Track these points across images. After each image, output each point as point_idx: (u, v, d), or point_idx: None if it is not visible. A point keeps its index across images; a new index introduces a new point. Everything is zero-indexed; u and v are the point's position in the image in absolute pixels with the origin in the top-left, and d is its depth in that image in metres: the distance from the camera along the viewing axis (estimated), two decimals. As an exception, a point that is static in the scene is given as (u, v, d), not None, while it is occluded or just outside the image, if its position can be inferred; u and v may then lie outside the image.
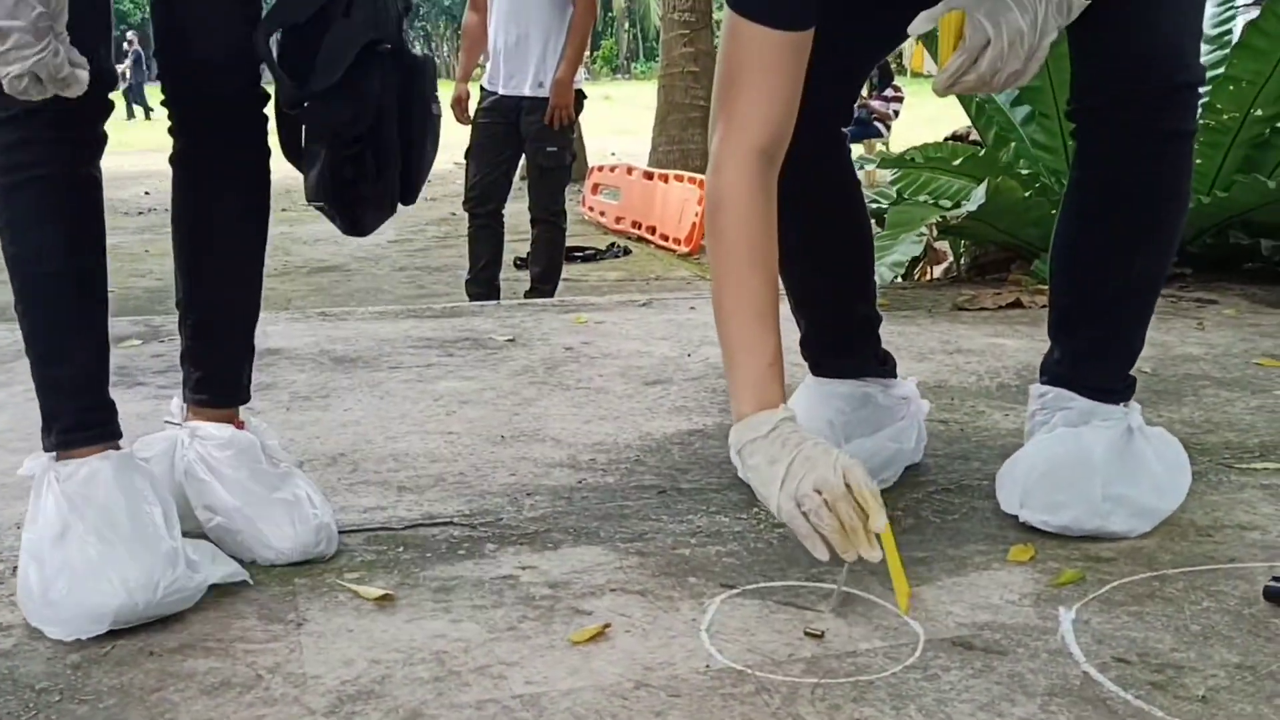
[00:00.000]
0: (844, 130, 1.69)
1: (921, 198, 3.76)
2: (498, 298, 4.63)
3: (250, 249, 1.50)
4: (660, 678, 1.14)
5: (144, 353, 2.57)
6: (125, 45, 23.89)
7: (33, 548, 1.28)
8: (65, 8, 1.16)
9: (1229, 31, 3.81)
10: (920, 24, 1.38)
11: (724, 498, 1.66)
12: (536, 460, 1.83)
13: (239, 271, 1.49)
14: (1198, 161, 3.47)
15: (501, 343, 2.70)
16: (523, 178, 4.98)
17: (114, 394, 2.18)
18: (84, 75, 1.19)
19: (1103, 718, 1.07)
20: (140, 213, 8.70)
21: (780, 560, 1.43)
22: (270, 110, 1.44)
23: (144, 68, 23.77)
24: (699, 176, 8.16)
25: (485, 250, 4.86)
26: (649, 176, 8.79)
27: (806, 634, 1.24)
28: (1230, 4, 3.91)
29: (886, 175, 4.09)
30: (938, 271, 4.24)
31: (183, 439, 1.46)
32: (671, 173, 8.57)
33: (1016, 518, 1.54)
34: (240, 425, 1.50)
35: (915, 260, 3.96)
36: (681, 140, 9.25)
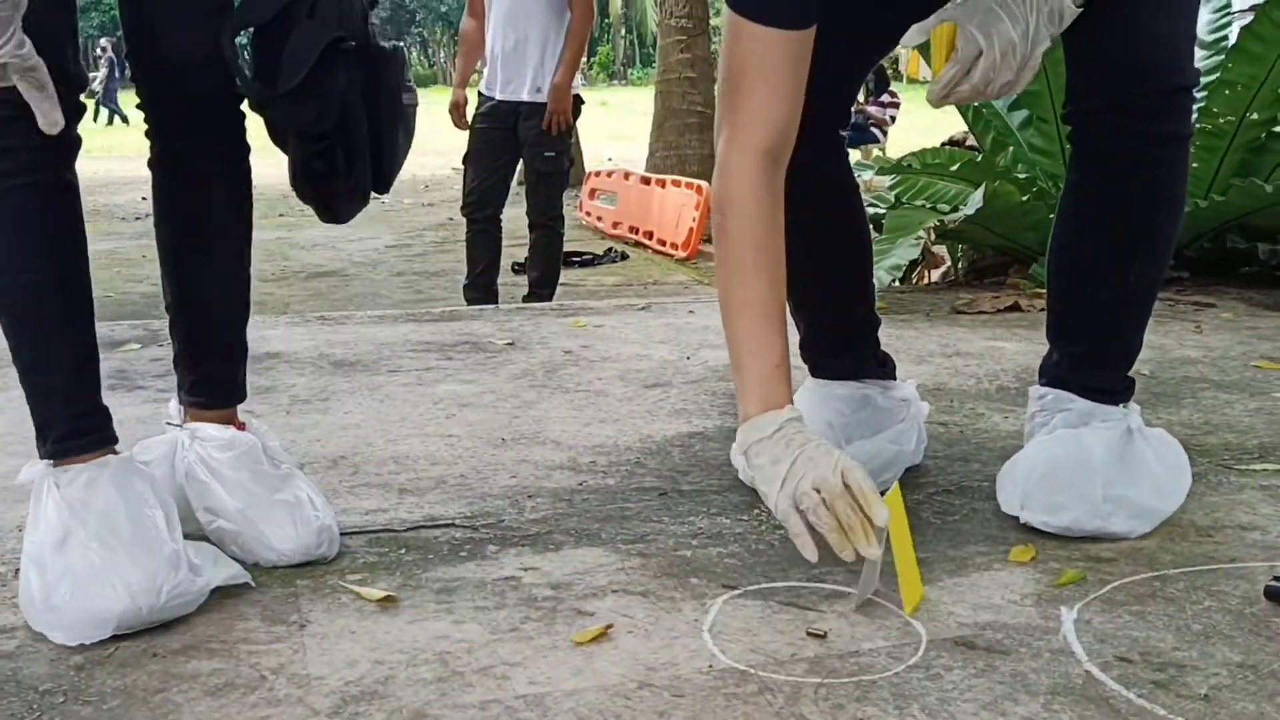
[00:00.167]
0: (843, 134, 1.70)
1: (919, 202, 3.77)
2: (496, 302, 4.64)
3: (235, 248, 1.49)
4: (663, 678, 1.14)
5: (143, 356, 2.57)
6: (99, 52, 23.88)
7: (34, 554, 1.28)
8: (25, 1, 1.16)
9: (1225, 37, 3.83)
10: (913, 36, 1.40)
11: (725, 499, 1.66)
12: (537, 463, 1.83)
13: (226, 272, 1.49)
14: (1194, 165, 3.50)
15: (501, 346, 2.70)
16: (520, 183, 4.99)
17: (114, 398, 2.19)
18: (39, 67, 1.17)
19: (1106, 717, 1.07)
20: (137, 218, 8.70)
21: (782, 561, 1.44)
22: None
23: (116, 74, 23.79)
24: (696, 181, 8.17)
25: (483, 255, 4.86)
26: (646, 181, 8.80)
27: (809, 634, 1.24)
28: (1226, 9, 3.92)
29: (885, 180, 4.10)
30: (935, 275, 4.25)
31: (183, 441, 1.46)
32: (669, 178, 8.58)
33: (1017, 519, 1.55)
34: (241, 426, 1.50)
35: (913, 264, 3.97)
36: (679, 146, 9.25)
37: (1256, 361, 2.51)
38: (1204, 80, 3.65)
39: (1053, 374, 1.65)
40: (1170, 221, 1.58)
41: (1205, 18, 3.87)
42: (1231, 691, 1.12)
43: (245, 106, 1.42)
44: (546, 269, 4.99)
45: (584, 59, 4.96)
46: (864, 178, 4.76)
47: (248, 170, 1.47)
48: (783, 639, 1.23)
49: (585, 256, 7.42)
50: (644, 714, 1.07)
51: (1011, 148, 3.78)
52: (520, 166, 4.88)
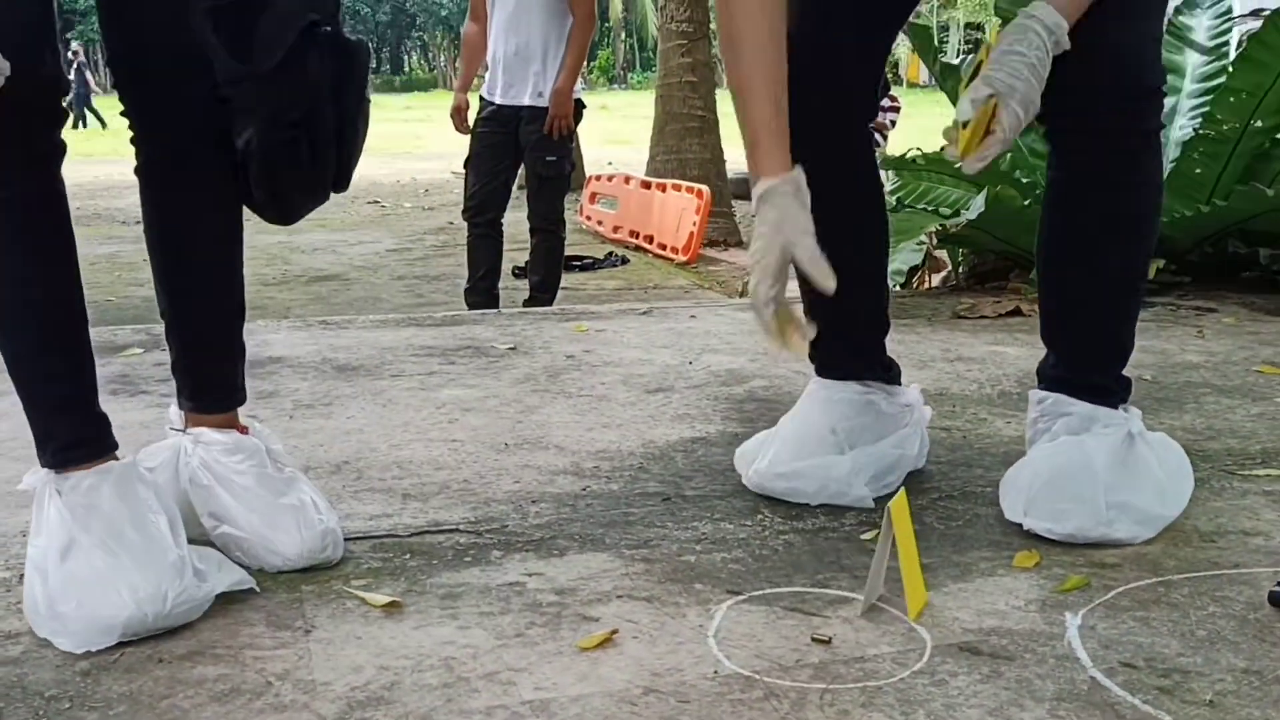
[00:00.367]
0: (869, 126, 1.73)
1: (920, 206, 3.78)
2: (497, 307, 4.64)
3: (227, 252, 1.47)
4: (669, 683, 1.14)
5: (146, 361, 2.57)
6: (70, 55, 23.86)
7: (38, 561, 1.28)
8: None
9: (1226, 43, 3.84)
10: (965, 109, 1.47)
11: (728, 505, 1.66)
12: (540, 468, 1.83)
13: (219, 276, 1.48)
14: (1197, 171, 3.50)
15: (503, 351, 2.70)
16: (521, 187, 4.99)
17: (116, 403, 2.20)
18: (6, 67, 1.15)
19: (1111, 722, 1.07)
20: (137, 222, 8.69)
21: (786, 566, 1.44)
22: None
23: (87, 78, 23.76)
24: (697, 186, 8.18)
25: (484, 259, 4.87)
26: (646, 185, 8.81)
27: (814, 639, 1.24)
28: (1227, 15, 3.93)
29: (886, 185, 4.10)
30: (936, 280, 4.25)
31: (185, 446, 1.46)
32: (669, 182, 8.59)
33: (1021, 525, 1.55)
34: (244, 430, 1.50)
35: (914, 269, 3.98)
36: (679, 150, 9.25)
37: (1258, 366, 2.51)
38: (1206, 86, 3.66)
39: (1049, 376, 1.66)
40: (1145, 211, 1.62)
41: (1206, 23, 3.88)
42: (1236, 697, 1.12)
43: None
44: (548, 273, 4.99)
45: (584, 63, 4.96)
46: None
47: (236, 173, 1.46)
48: (787, 644, 1.23)
49: (586, 260, 7.43)
50: (650, 719, 1.07)
51: (1012, 153, 3.78)
52: (521, 171, 4.89)
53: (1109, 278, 1.62)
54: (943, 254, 4.12)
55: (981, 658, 1.20)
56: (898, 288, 3.39)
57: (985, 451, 1.91)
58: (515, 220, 4.99)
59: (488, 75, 4.82)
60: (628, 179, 9.23)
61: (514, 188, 5.00)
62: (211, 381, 1.50)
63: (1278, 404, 2.20)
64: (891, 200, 3.89)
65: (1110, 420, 1.58)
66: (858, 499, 1.63)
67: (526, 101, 4.68)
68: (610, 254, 7.82)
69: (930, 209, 3.70)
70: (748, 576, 1.41)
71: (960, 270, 4.05)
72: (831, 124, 1.64)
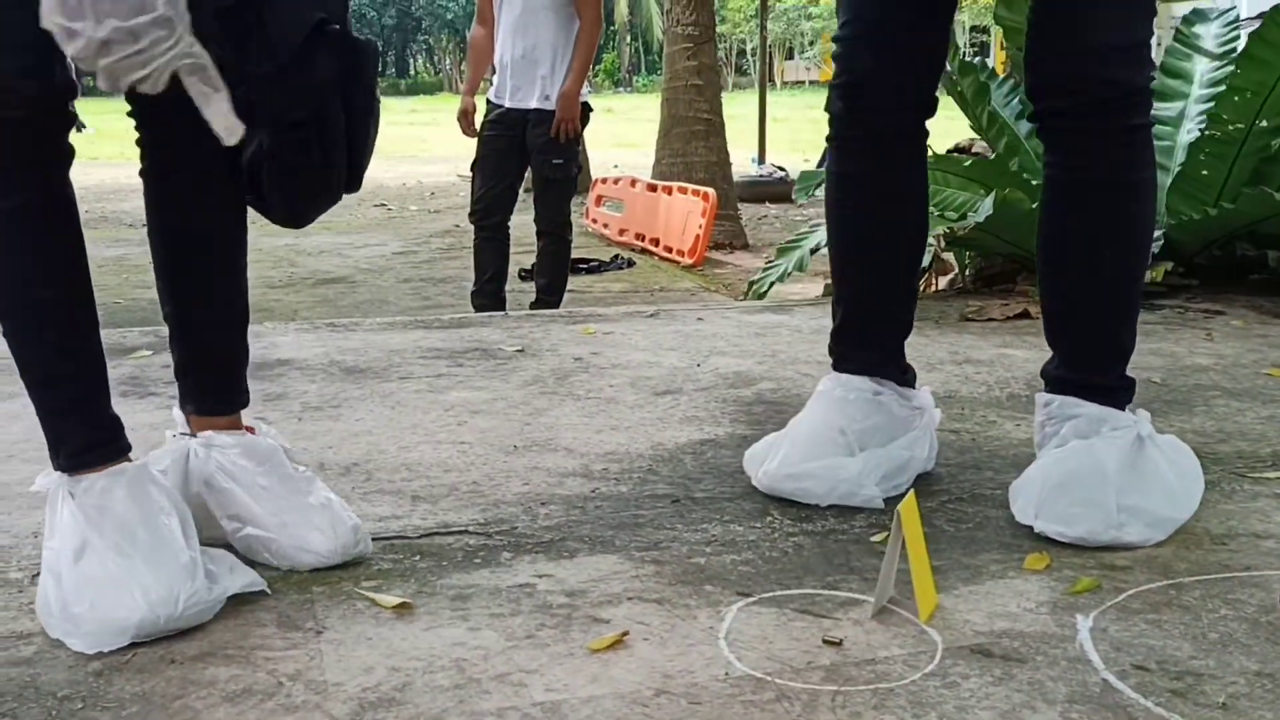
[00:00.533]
0: (925, 124, 1.74)
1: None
2: (504, 309, 4.64)
3: (232, 255, 1.48)
4: (680, 685, 1.14)
5: (154, 363, 2.58)
6: None
7: (51, 563, 1.28)
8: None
9: (1234, 50, 3.83)
10: None
11: (738, 507, 1.66)
12: (549, 470, 1.83)
13: (222, 280, 1.48)
14: (1204, 173, 3.49)
15: (511, 353, 2.70)
16: (528, 190, 4.99)
17: (126, 404, 2.20)
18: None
19: (1123, 725, 1.07)
20: (143, 224, 8.71)
21: (796, 569, 1.44)
22: None
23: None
24: (703, 189, 8.18)
25: (491, 262, 4.87)
26: (652, 188, 8.82)
27: (825, 641, 1.24)
28: (1235, 23, 3.92)
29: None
30: (943, 283, 4.24)
31: (195, 449, 1.45)
32: (675, 184, 8.59)
33: (1031, 528, 1.55)
34: (251, 430, 1.50)
35: (922, 271, 3.97)
36: (685, 153, 9.26)
37: (1268, 369, 2.51)
38: (1214, 91, 3.66)
39: (1053, 378, 1.67)
40: (1138, 207, 1.63)
41: (1214, 31, 3.88)
42: (1249, 700, 1.11)
43: None
44: (554, 276, 5.00)
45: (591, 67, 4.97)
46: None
47: (241, 177, 1.45)
48: (798, 646, 1.23)
49: (592, 263, 7.43)
50: (661, 721, 1.07)
51: (1018, 156, 3.78)
52: (528, 174, 4.89)
53: (1106, 278, 1.63)
54: (950, 257, 4.12)
55: (993, 660, 1.20)
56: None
57: (994, 454, 1.91)
58: (522, 223, 4.99)
59: (495, 78, 4.82)
60: (633, 182, 9.23)
61: (521, 191, 5.00)
62: (218, 384, 1.50)
63: (1287, 406, 2.19)
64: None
65: (1119, 423, 1.58)
66: (867, 499, 1.63)
67: (534, 104, 4.68)
68: (616, 257, 7.82)
69: (937, 212, 3.70)
70: (758, 578, 1.41)
71: (967, 273, 4.04)
72: (883, 111, 1.67)
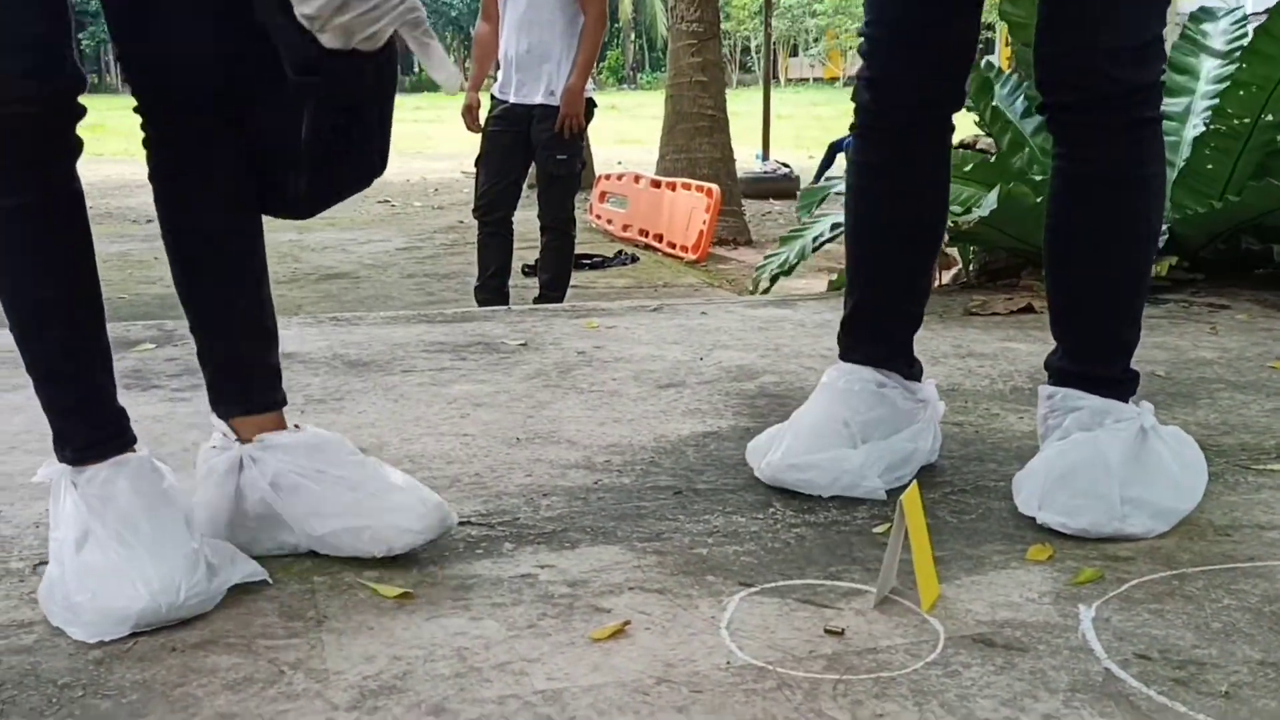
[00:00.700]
0: (950, 118, 1.74)
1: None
2: (507, 304, 4.64)
3: (251, 245, 1.45)
4: (681, 674, 1.14)
5: (158, 356, 2.58)
6: None
7: (55, 552, 1.28)
8: None
9: (1241, 48, 3.82)
10: None
11: (740, 498, 1.66)
12: (552, 462, 1.83)
13: (248, 271, 1.46)
14: (1209, 167, 3.48)
15: (514, 347, 2.70)
16: (531, 186, 4.99)
17: (129, 397, 2.20)
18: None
19: (1126, 714, 1.07)
20: (149, 220, 8.72)
21: (798, 559, 1.43)
22: None
23: None
24: (706, 185, 8.18)
25: (494, 258, 4.87)
26: (656, 185, 8.82)
27: (826, 631, 1.23)
28: (1243, 22, 3.91)
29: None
30: (946, 277, 4.24)
31: (250, 455, 1.41)
32: (679, 180, 8.59)
33: (1034, 519, 1.54)
34: (297, 427, 1.47)
35: (927, 266, 3.96)
36: (689, 149, 9.26)
37: (1272, 362, 2.50)
38: (1220, 87, 3.65)
39: (1057, 370, 1.67)
40: (1145, 202, 1.63)
41: (1222, 27, 3.87)
42: (1253, 689, 1.11)
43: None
44: (558, 271, 5.00)
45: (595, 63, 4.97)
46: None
47: (253, 174, 1.44)
48: (800, 636, 1.22)
49: (595, 259, 7.43)
50: (663, 709, 1.07)
51: (1026, 150, 3.78)
52: (532, 170, 4.89)
53: (1112, 271, 1.63)
54: (954, 251, 4.12)
55: (995, 649, 1.19)
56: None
57: (998, 446, 1.91)
58: (525, 219, 5.00)
59: (500, 74, 4.82)
60: (637, 178, 9.23)
61: (525, 186, 5.00)
62: (263, 379, 1.47)
63: (1292, 399, 2.19)
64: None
65: (1122, 415, 1.58)
66: (870, 490, 1.62)
67: (538, 100, 4.68)
68: (620, 252, 7.82)
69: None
70: (760, 569, 1.40)
71: (971, 267, 4.04)
72: (907, 108, 1.68)
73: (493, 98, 4.85)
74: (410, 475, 1.72)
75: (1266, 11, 3.42)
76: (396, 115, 1.44)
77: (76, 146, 1.29)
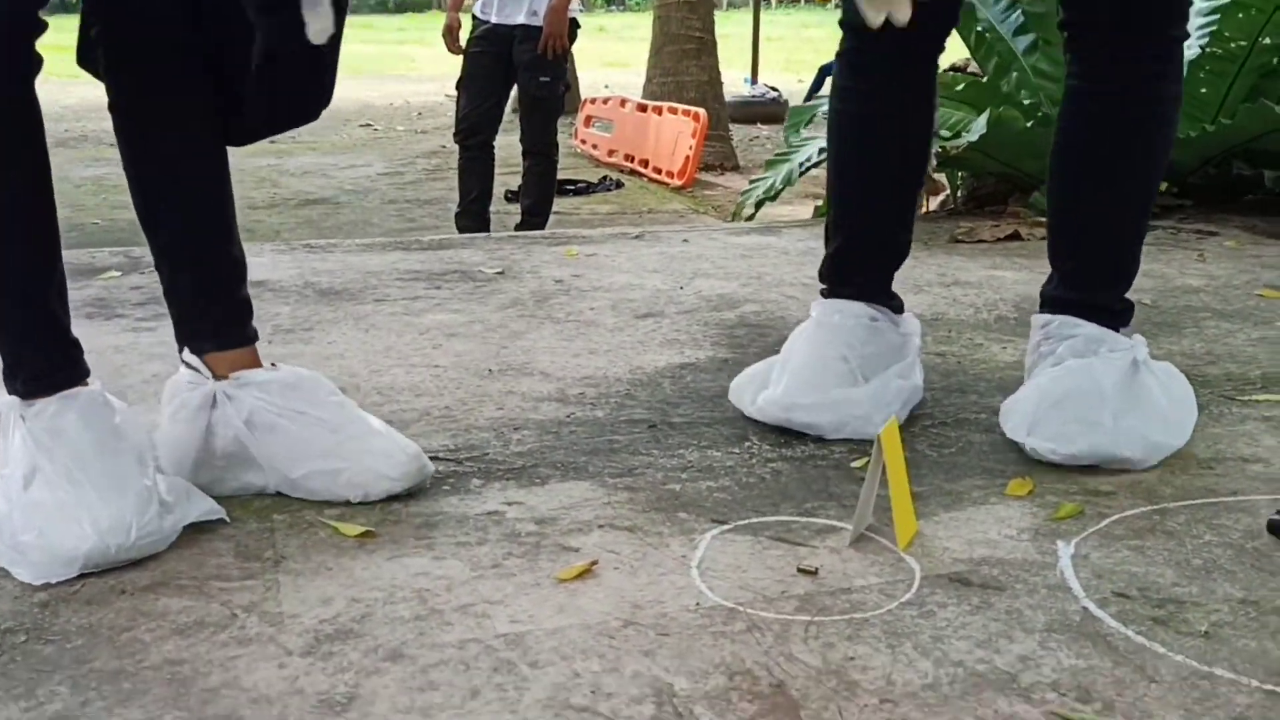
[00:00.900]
0: (940, 42, 1.69)
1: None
2: (488, 231, 4.57)
3: (218, 174, 1.41)
4: (649, 616, 1.11)
5: (123, 284, 2.52)
6: None
7: (2, 489, 1.23)
8: None
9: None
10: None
11: (716, 432, 1.62)
12: (524, 394, 1.79)
13: (212, 202, 1.41)
14: (1203, 90, 3.41)
15: (490, 275, 2.65)
16: (515, 110, 4.90)
17: (91, 326, 2.15)
18: None
19: (1103, 655, 1.04)
20: (127, 146, 8.59)
21: (773, 495, 1.40)
22: None
23: None
24: (693, 109, 8.06)
25: (475, 183, 4.80)
26: (642, 109, 8.69)
27: (800, 570, 1.20)
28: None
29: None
30: (934, 204, 4.18)
31: (224, 392, 1.37)
32: (665, 105, 8.46)
33: (1015, 451, 1.51)
34: (274, 365, 1.44)
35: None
36: (676, 72, 9.11)
37: (1260, 290, 2.46)
38: (1216, 5, 3.57)
39: (1054, 297, 1.63)
40: (1164, 122, 1.58)
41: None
42: (1233, 628, 1.08)
43: None
44: (540, 197, 4.93)
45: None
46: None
47: (214, 102, 1.39)
48: (772, 575, 1.19)
49: (580, 184, 7.34)
50: (629, 653, 1.04)
51: (1016, 73, 3.69)
52: (515, 93, 4.79)
53: (1125, 194, 1.58)
54: (941, 177, 4.05)
55: (971, 588, 1.16)
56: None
57: (980, 377, 1.87)
58: (508, 143, 4.91)
59: (480, -6, 4.71)
60: (623, 102, 9.10)
61: (508, 110, 4.90)
62: (236, 312, 1.43)
63: (1278, 328, 2.15)
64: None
65: (1117, 345, 1.54)
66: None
67: (521, 20, 4.57)
68: (605, 178, 7.72)
69: (929, 131, 3.62)
70: (734, 505, 1.37)
71: (959, 194, 3.98)
72: (893, 38, 1.57)
73: (474, 18, 4.74)
74: (379, 409, 1.69)
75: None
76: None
77: (35, 62, 1.23)
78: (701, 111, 7.97)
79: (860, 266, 1.72)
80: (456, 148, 4.88)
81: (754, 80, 12.58)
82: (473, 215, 4.78)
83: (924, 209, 4.08)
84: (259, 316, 1.49)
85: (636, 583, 1.18)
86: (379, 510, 1.35)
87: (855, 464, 1.49)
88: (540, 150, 4.85)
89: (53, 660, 1.02)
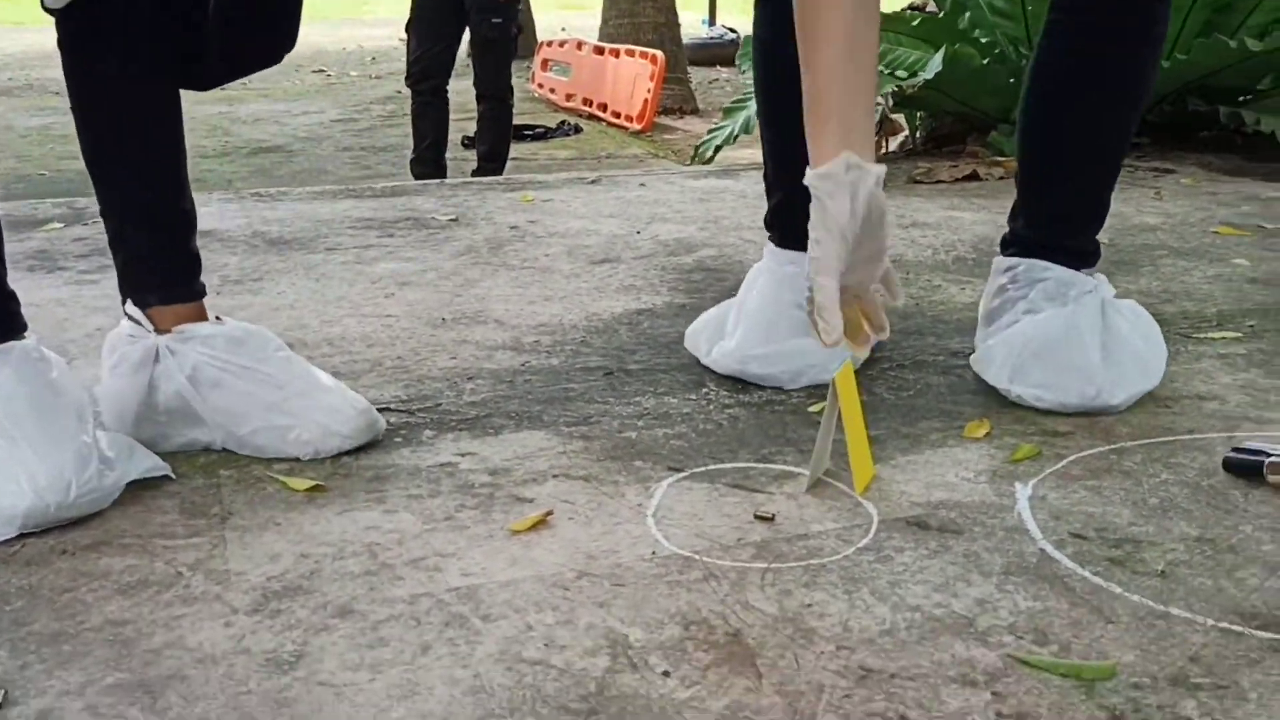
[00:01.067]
0: None
1: (878, 69, 3.66)
2: (444, 177, 4.50)
3: (169, 118, 1.36)
4: (603, 566, 1.09)
5: (65, 236, 2.45)
6: None
7: None
8: None
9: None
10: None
11: (672, 379, 1.60)
12: (478, 343, 1.76)
13: (160, 157, 1.36)
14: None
15: (444, 222, 2.60)
16: (470, 54, 4.81)
17: (33, 279, 2.09)
18: None
19: (1060, 596, 1.04)
20: (72, 94, 8.39)
21: (730, 441, 1.38)
22: None
23: None
24: (651, 51, 7.97)
25: (429, 128, 4.72)
26: (600, 52, 8.58)
27: (757, 517, 1.19)
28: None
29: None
30: (893, 145, 4.16)
31: (166, 346, 1.33)
32: (623, 47, 8.36)
33: (972, 393, 1.51)
34: (218, 319, 1.40)
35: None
36: (633, 13, 8.99)
37: (1215, 228, 2.47)
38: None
39: (1024, 240, 1.58)
40: (1151, 68, 1.54)
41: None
42: (1188, 567, 1.08)
43: None
44: (496, 142, 4.86)
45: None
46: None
47: (171, 45, 1.33)
48: (729, 523, 1.18)
49: (537, 129, 7.26)
50: (582, 604, 1.02)
51: (971, 10, 3.66)
52: (467, 37, 4.71)
53: (1105, 133, 1.54)
54: (899, 118, 4.02)
55: (929, 532, 1.16)
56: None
57: (938, 319, 1.86)
58: (464, 89, 4.83)
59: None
60: (580, 45, 8.98)
61: (462, 54, 4.82)
62: (184, 265, 1.39)
63: (1234, 265, 2.16)
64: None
65: (1085, 286, 1.52)
66: None
67: (470, -41, 4.47)
68: (563, 123, 7.64)
69: (887, 71, 3.59)
70: (690, 453, 1.35)
71: (917, 135, 3.96)
72: None
73: (423, -42, 4.63)
74: (330, 360, 1.65)
75: None
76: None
77: None
78: (659, 54, 7.88)
79: (802, 219, 1.68)
80: (410, 93, 4.79)
81: (712, 21, 12.45)
82: (427, 162, 4.71)
83: (883, 150, 4.05)
84: (206, 268, 1.45)
85: (591, 533, 1.16)
86: (329, 464, 1.32)
87: (813, 409, 1.48)
88: (494, 94, 4.78)
89: (-10, 624, 1.00)
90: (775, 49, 1.62)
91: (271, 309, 1.94)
